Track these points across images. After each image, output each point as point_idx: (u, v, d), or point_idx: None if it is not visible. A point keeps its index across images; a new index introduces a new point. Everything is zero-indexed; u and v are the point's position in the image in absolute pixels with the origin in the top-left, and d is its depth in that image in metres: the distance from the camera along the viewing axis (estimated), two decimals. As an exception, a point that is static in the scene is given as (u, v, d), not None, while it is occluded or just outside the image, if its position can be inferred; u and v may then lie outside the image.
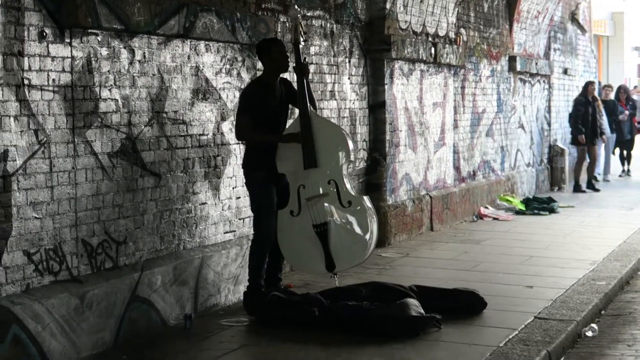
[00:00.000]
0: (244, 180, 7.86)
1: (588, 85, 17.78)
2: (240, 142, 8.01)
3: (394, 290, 7.61)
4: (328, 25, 9.99)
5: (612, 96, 19.84)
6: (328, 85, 10.01)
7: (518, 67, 15.78)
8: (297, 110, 7.95)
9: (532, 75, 16.83)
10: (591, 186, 17.34)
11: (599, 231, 12.30)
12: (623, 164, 20.19)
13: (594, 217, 13.76)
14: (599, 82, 21.50)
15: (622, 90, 20.37)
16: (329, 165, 7.84)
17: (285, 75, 8.08)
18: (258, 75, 8.11)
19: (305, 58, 8.24)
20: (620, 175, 19.81)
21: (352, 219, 7.88)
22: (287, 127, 7.91)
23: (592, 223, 13.15)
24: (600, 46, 29.53)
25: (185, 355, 6.47)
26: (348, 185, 7.95)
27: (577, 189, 17.31)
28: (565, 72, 18.93)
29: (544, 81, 17.67)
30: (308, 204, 7.75)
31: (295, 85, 7.90)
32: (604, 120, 18.27)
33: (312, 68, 9.62)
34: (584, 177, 17.42)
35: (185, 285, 7.45)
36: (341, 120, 10.28)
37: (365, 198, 8.11)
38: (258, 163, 7.66)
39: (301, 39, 7.99)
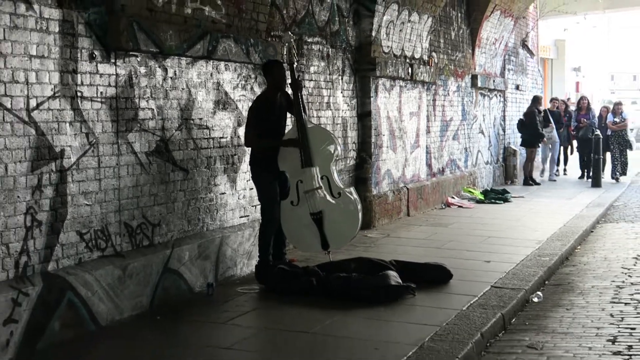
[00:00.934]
0: (251, 176, 7.85)
1: (539, 99, 17.79)
2: (246, 145, 7.96)
3: (377, 264, 7.61)
4: (325, 49, 9.98)
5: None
6: (324, 97, 10.00)
7: (479, 84, 15.77)
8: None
9: (490, 90, 16.82)
10: (533, 180, 17.39)
11: (544, 217, 12.29)
12: (565, 164, 20.16)
13: (540, 206, 13.76)
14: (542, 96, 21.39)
15: (562, 102, 20.31)
16: (321, 163, 7.82)
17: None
18: (265, 89, 8.07)
19: (299, 75, 8.21)
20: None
21: (341, 207, 7.86)
22: (286, 131, 7.88)
23: (539, 210, 13.15)
24: (546, 67, 29.43)
25: (207, 316, 6.47)
26: (337, 180, 7.95)
27: (526, 182, 17.34)
28: (517, 88, 18.92)
29: (499, 95, 17.66)
30: (306, 196, 7.74)
31: (291, 96, 7.88)
32: (554, 128, 18.15)
33: (311, 84, 9.63)
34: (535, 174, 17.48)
35: (208, 260, 7.45)
36: (335, 126, 10.26)
37: (352, 189, 8.12)
38: (263, 163, 7.63)
39: (295, 60, 7.97)
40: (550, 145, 18.38)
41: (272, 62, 7.82)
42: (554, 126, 18.22)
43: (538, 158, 18.56)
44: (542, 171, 18.96)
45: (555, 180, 18.33)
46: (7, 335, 5.30)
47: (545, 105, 19.87)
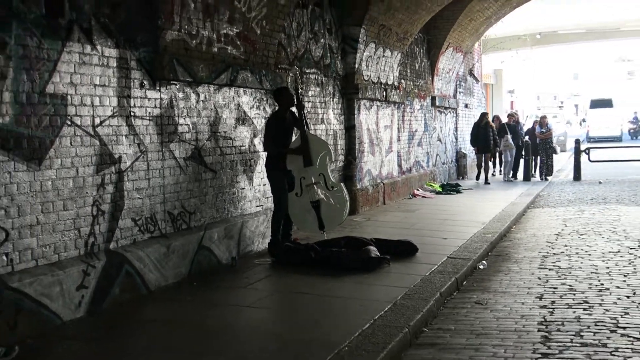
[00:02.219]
0: (266, 175, 7.85)
1: (483, 115, 17.26)
2: (264, 151, 7.97)
3: (361, 241, 7.61)
4: (319, 78, 9.97)
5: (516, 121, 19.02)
6: (319, 115, 9.99)
7: (437, 103, 15.76)
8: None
9: (446, 108, 16.82)
10: (485, 177, 16.88)
11: (488, 204, 12.29)
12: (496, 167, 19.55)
13: (484, 196, 13.77)
14: (488, 112, 20.88)
15: (495, 118, 19.05)
16: (319, 164, 7.85)
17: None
18: (276, 109, 8.07)
19: (302, 98, 8.21)
20: (492, 174, 18.91)
21: (334, 197, 7.90)
22: (293, 140, 7.89)
23: (484, 199, 13.15)
24: (487, 90, 29.40)
25: (232, 282, 6.47)
26: (331, 176, 7.98)
27: (477, 178, 16.96)
28: (466, 106, 18.88)
29: (453, 112, 17.64)
30: (307, 189, 7.76)
31: (296, 114, 7.89)
32: (510, 138, 17.36)
33: (309, 105, 9.62)
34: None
35: (232, 239, 7.44)
36: (328, 136, 10.25)
37: (342, 184, 8.17)
38: (275, 164, 7.65)
39: (299, 87, 7.99)
40: (509, 152, 17.92)
41: (281, 89, 7.84)
42: (510, 136, 17.58)
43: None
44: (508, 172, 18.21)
45: (510, 180, 17.11)
46: (79, 298, 5.31)
47: (490, 119, 19.20)
